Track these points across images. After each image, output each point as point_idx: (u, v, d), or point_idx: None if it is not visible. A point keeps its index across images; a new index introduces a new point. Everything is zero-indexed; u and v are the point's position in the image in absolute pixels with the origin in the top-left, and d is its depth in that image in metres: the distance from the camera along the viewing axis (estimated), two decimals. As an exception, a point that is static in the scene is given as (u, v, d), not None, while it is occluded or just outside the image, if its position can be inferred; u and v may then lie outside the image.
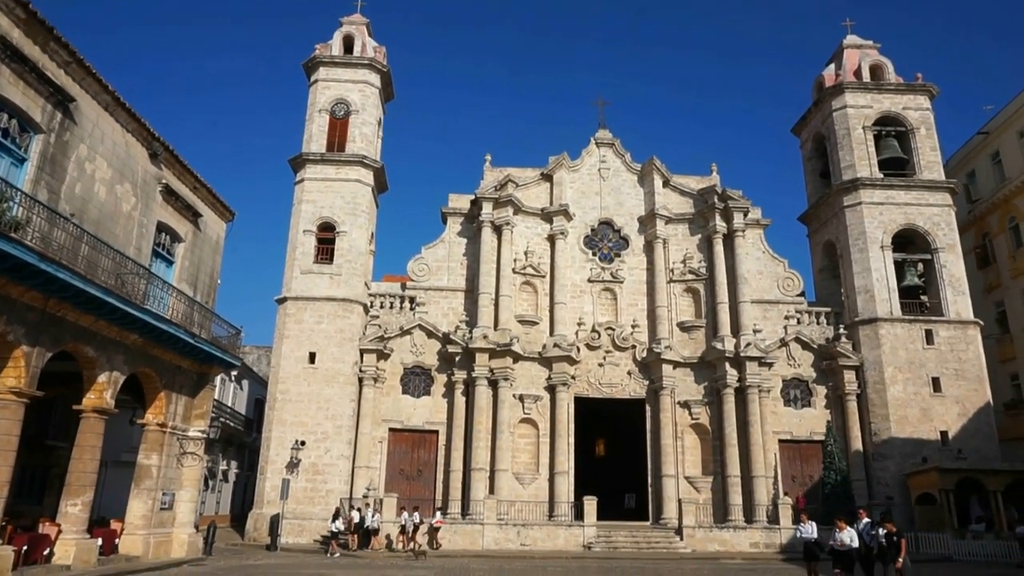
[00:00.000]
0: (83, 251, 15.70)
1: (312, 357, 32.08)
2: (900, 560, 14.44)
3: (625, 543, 28.75)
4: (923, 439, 31.65)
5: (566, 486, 31.94)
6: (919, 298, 35.04)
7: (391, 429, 32.97)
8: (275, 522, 28.01)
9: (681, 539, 28.67)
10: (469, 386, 32.91)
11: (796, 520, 29.78)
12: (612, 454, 45.32)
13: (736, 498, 31.38)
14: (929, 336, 33.29)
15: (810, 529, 16.13)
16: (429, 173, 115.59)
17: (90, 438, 17.80)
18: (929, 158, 36.37)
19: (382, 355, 33.13)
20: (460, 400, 32.92)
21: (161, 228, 20.83)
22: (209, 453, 36.00)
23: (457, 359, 33.12)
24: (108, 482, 25.23)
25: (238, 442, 42.02)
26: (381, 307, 34.65)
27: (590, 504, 29.02)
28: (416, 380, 33.83)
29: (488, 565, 22.49)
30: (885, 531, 14.96)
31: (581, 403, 34.15)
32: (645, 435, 33.76)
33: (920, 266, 35.32)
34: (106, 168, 17.85)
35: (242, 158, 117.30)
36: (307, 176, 34.52)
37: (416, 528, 26.89)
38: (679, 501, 30.43)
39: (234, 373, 41.12)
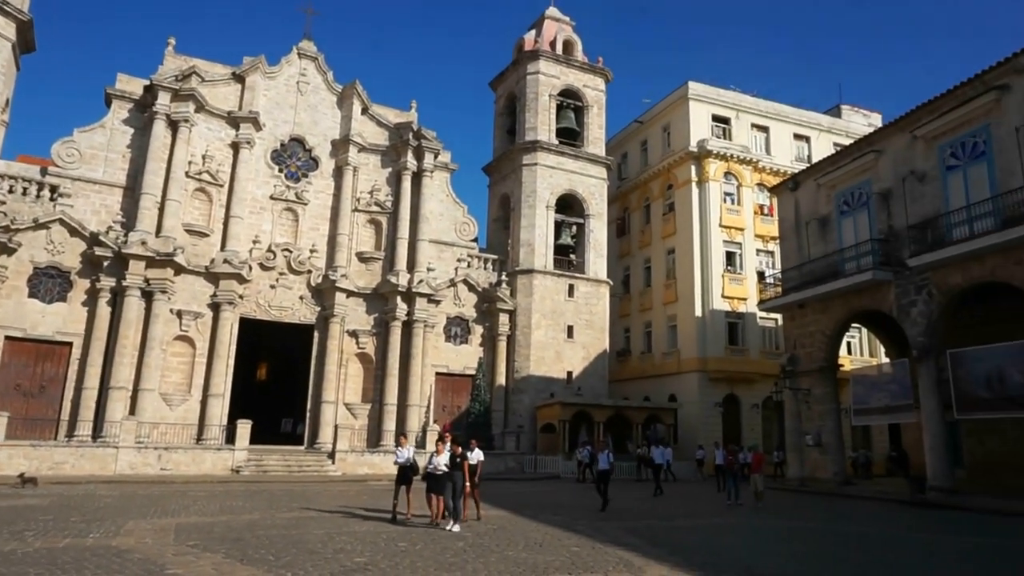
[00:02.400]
0: None
1: (-101, 241, 25.56)
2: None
3: (277, 467, 28.66)
4: (554, 378, 36.79)
5: (220, 409, 30.56)
6: (568, 256, 40.15)
7: (8, 337, 27.96)
8: None
9: (333, 463, 29.49)
10: (118, 295, 29.34)
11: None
12: (276, 379, 44.54)
13: (390, 424, 33.19)
14: (571, 290, 38.48)
15: (407, 452, 15.70)
16: (95, 45, 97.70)
17: None
18: (596, 135, 41.41)
19: (5, 249, 27.68)
20: (104, 310, 29.20)
21: None
22: None
23: (106, 264, 29.21)
24: None
25: None
26: (11, 192, 28.81)
27: (243, 428, 28.22)
28: (50, 283, 29.04)
29: (119, 491, 20.68)
30: (451, 454, 14.61)
31: (247, 324, 32.74)
32: (310, 361, 33.71)
33: (574, 228, 40.36)
34: None
35: None
36: (-90, 9, 26.83)
37: None
38: (335, 427, 31.18)
39: None
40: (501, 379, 36.56)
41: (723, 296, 38.49)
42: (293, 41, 36.52)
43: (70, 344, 28.90)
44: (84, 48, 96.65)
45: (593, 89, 41.86)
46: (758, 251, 40.35)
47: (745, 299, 38.65)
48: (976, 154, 22.02)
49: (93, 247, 29.08)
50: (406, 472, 15.47)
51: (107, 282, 29.19)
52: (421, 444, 32.07)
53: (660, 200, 42.85)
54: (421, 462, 15.91)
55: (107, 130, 31.15)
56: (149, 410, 28.90)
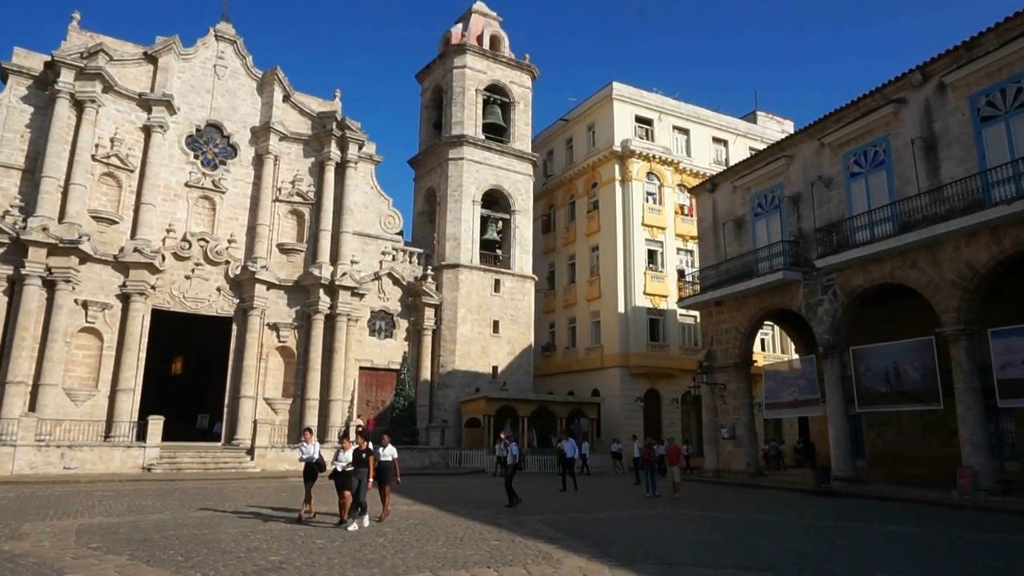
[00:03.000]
0: None
1: None
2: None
3: (191, 464, 27.65)
4: (479, 372, 36.86)
5: (130, 405, 29.24)
6: (495, 251, 40.26)
7: None
8: None
9: (252, 459, 28.69)
10: (15, 284, 27.65)
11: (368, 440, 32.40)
12: (192, 373, 42.92)
13: (313, 419, 32.51)
14: (497, 285, 38.62)
15: (312, 449, 15.13)
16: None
17: None
18: (522, 131, 41.65)
19: None
20: (1, 300, 27.43)
21: None
22: None
23: (2, 251, 27.45)
24: None
25: None
26: None
27: (155, 424, 27.10)
28: (-63, 270, 27.09)
29: (16, 492, 19.50)
30: (356, 448, 14.13)
31: (160, 316, 31.44)
32: (228, 355, 32.64)
33: (500, 224, 40.50)
34: None
35: None
36: None
37: None
38: (255, 422, 30.32)
39: None
40: (426, 374, 36.37)
41: (645, 293, 39.42)
42: (211, 23, 35.20)
43: (-39, 336, 27.02)
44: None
45: (519, 86, 42.06)
46: (678, 250, 41.50)
47: (666, 296, 39.71)
48: (877, 162, 23.30)
49: (-12, 233, 27.23)
50: (312, 469, 14.98)
51: (3, 270, 27.49)
52: (348, 439, 31.60)
53: (585, 198, 43.49)
54: (328, 458, 15.50)
55: (3, 107, 29.24)
56: (51, 406, 27.36)
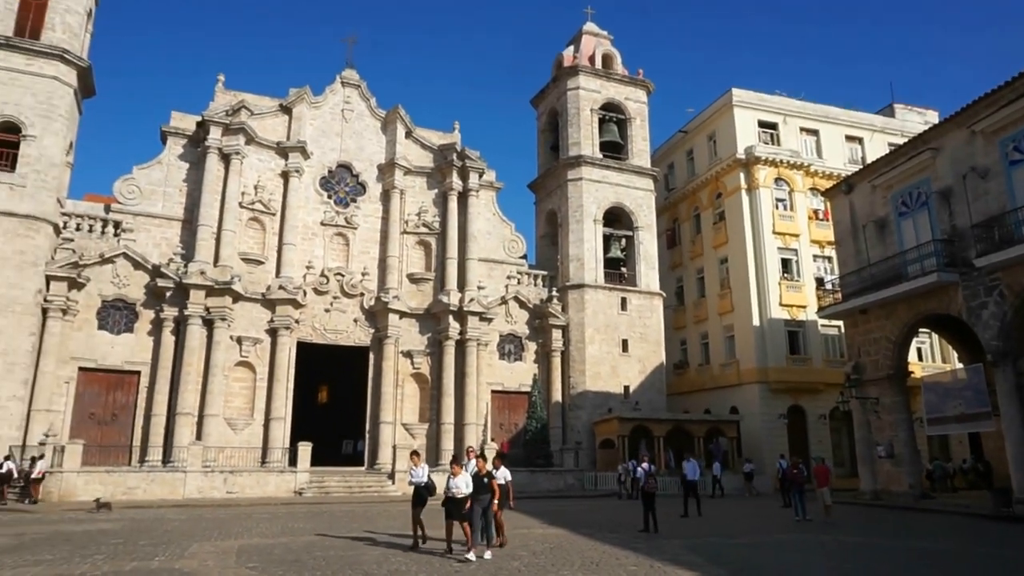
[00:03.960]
0: None
1: (-21, 281, 26.95)
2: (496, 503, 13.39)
3: (338, 488, 29.02)
4: (610, 392, 36.34)
5: (282, 432, 31.19)
6: (619, 269, 39.76)
7: (82, 368, 29.18)
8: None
9: (393, 483, 29.69)
10: (180, 324, 30.35)
11: (503, 463, 32.66)
12: (334, 401, 45.15)
13: (448, 443, 33.24)
14: (624, 303, 38.06)
15: (420, 473, 14.27)
16: (150, 86, 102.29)
17: None
18: (640, 146, 41.10)
19: (75, 284, 29.03)
20: (169, 339, 30.22)
21: None
22: None
23: (168, 295, 30.27)
24: None
25: None
26: (78, 229, 30.25)
27: (304, 450, 28.73)
28: (117, 315, 30.24)
29: (187, 514, 21.23)
30: (476, 469, 13.31)
31: (304, 348, 33.38)
32: (367, 383, 34.12)
33: (623, 241, 40.00)
34: None
35: None
36: (-15, 62, 28.47)
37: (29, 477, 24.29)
38: (394, 447, 31.40)
39: None
40: (557, 395, 36.31)
41: (781, 304, 37.49)
42: (336, 70, 37.45)
43: (138, 373, 29.97)
44: (140, 89, 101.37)
45: (635, 101, 41.62)
46: (815, 257, 39.23)
47: (804, 307, 37.55)
48: (1043, 145, 20.95)
49: (156, 279, 30.17)
50: (420, 493, 14.07)
51: (170, 312, 30.22)
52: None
53: (710, 209, 42.16)
54: (439, 482, 14.48)
55: (164, 166, 32.41)
56: (215, 435, 29.66)
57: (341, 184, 36.05)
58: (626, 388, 36.79)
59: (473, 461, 13.97)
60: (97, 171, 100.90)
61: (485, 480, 13.10)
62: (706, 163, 42.88)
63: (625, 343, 37.48)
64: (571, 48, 42.67)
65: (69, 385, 28.77)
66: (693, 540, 15.31)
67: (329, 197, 35.51)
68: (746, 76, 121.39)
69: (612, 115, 41.08)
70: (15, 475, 24.70)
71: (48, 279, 28.22)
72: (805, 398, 36.71)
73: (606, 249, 38.97)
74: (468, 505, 12.77)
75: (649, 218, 40.16)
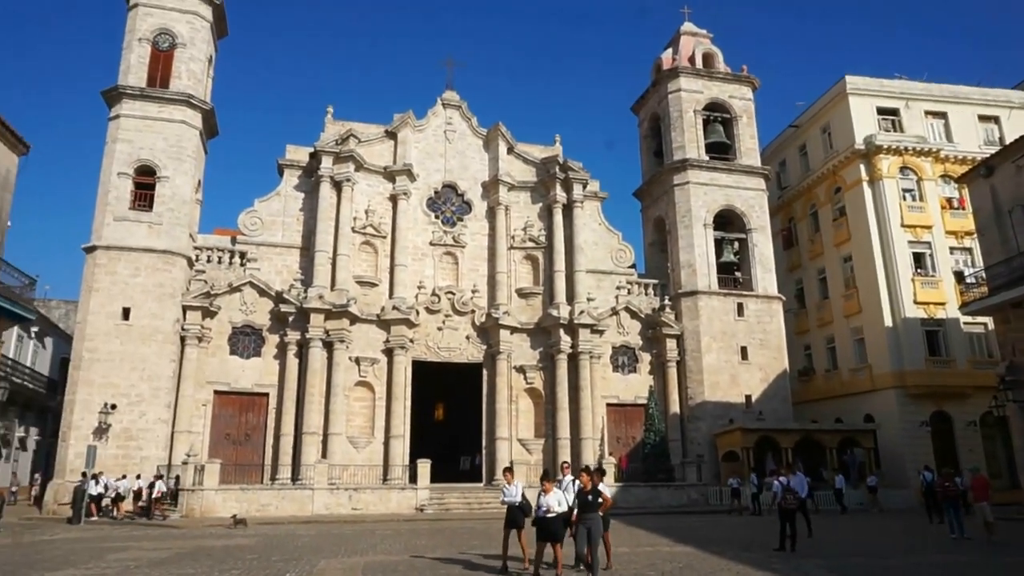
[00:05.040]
0: None
1: (126, 313, 29.21)
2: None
3: (457, 504, 29.19)
4: (731, 402, 34.75)
5: (401, 449, 31.81)
6: (734, 273, 38.16)
7: (217, 392, 31.00)
8: (80, 493, 25.40)
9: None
10: (303, 347, 31.65)
11: (623, 477, 31.92)
12: (450, 418, 45.73)
13: (565, 458, 32.69)
14: (740, 309, 36.42)
15: (513, 491, 13.10)
16: (266, 122, 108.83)
17: None
18: (748, 145, 39.43)
19: (208, 313, 30.95)
20: (293, 362, 31.60)
21: (-66, 158, 17.83)
22: (3, 418, 32.25)
23: (291, 319, 31.69)
24: None
25: (39, 406, 37.77)
26: (208, 261, 32.29)
27: (423, 467, 29.12)
28: (246, 340, 31.98)
29: (316, 530, 21.89)
30: (580, 486, 11.96)
31: (419, 366, 33.99)
32: (481, 399, 34.30)
33: (736, 244, 38.39)
34: None
35: (46, 89, 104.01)
36: (124, 112, 31.05)
37: (150, 495, 26.48)
38: (511, 463, 31.25)
39: (35, 329, 36.74)
40: (675, 407, 35.14)
41: (916, 302, 34.71)
42: (437, 93, 38.23)
43: (267, 395, 31.50)
44: (257, 125, 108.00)
45: (740, 99, 40.03)
46: (952, 249, 36.15)
47: (943, 304, 34.62)
48: None
49: (279, 304, 31.69)
50: (515, 513, 13.02)
51: (293, 335, 31.60)
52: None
53: (828, 206, 39.80)
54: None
55: (282, 197, 34.11)
56: (338, 453, 30.64)
57: (447, 204, 36.68)
58: (748, 397, 35.09)
59: (568, 477, 13.19)
60: (224, 205, 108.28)
61: (590, 498, 11.57)
62: (821, 157, 40.59)
63: (744, 350, 35.81)
64: (669, 50, 41.71)
65: (206, 408, 30.61)
66: (836, 561, 14.15)
67: (436, 217, 36.19)
68: (858, 63, 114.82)
69: (717, 115, 39.69)
70: (166, 492, 26.74)
71: (184, 309, 30.24)
72: (950, 403, 33.71)
73: (718, 254, 37.52)
74: (574, 524, 11.70)
75: (762, 219, 38.37)
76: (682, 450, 34.29)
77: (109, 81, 31.58)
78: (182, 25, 32.77)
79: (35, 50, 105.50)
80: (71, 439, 27.75)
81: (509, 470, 14.30)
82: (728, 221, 38.47)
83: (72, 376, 28.65)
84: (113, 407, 28.06)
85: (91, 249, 29.61)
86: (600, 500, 11.64)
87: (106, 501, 26.73)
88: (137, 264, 29.72)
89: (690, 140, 38.46)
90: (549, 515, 11.76)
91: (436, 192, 36.57)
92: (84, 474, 25.96)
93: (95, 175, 30.92)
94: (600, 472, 13.10)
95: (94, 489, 25.73)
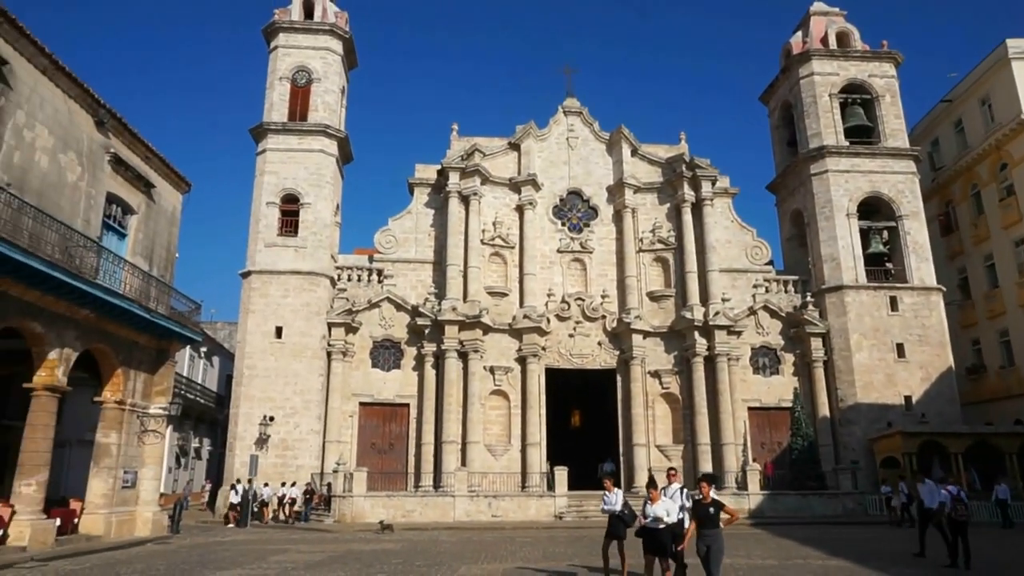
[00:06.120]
0: (26, 223, 15.05)
1: (279, 331, 31.53)
2: (683, 544, 10.89)
3: (596, 512, 28.71)
4: (888, 404, 32.16)
5: (538, 457, 31.99)
6: (884, 265, 35.39)
7: (361, 403, 32.67)
8: (245, 498, 27.64)
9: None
10: (439, 359, 32.67)
11: (768, 485, 30.42)
12: (587, 424, 45.57)
13: (706, 465, 31.68)
14: (894, 303, 33.69)
15: (614, 499, 12.30)
16: (396, 143, 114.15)
17: (42, 417, 17.22)
18: (894, 126, 36.53)
19: (350, 329, 32.71)
20: (430, 373, 32.68)
21: (111, 199, 20.04)
22: (180, 431, 35.56)
23: (426, 332, 32.82)
24: (72, 462, 24.71)
25: (210, 419, 41.48)
26: (349, 280, 34.18)
27: (561, 474, 29.11)
28: (386, 353, 33.48)
29: (457, 536, 22.43)
30: (699, 496, 10.31)
31: (552, 374, 34.10)
32: (616, 405, 33.87)
33: (885, 233, 35.63)
34: (47, 136, 17.04)
35: (202, 129, 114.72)
36: (269, 146, 33.64)
37: (293, 501, 28.57)
38: (649, 470, 30.62)
39: (203, 349, 40.46)
40: (824, 410, 33.01)
41: (1107, 286, 30.62)
42: (557, 101, 38.38)
43: (408, 405, 32.81)
44: (387, 147, 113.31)
45: (881, 77, 37.18)
46: None
47: None
48: None
49: (415, 318, 32.95)
50: (615, 523, 12.21)
51: (429, 347, 32.70)
52: (743, 485, 30.12)
53: (993, 185, 36.02)
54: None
55: (413, 215, 35.52)
56: (477, 461, 31.30)
57: (573, 210, 36.66)
58: (907, 399, 32.33)
59: (674, 485, 12.18)
60: (358, 227, 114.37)
61: (711, 511, 9.98)
62: (981, 132, 36.86)
63: (900, 347, 33.05)
64: (799, 33, 39.49)
65: (352, 419, 32.32)
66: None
67: (563, 224, 36.26)
68: (1018, 26, 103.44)
69: (855, 97, 37.10)
70: (315, 497, 28.61)
71: (329, 326, 32.16)
72: None
73: (865, 245, 34.95)
74: (686, 538, 10.54)
75: (914, 204, 35.35)
76: (834, 456, 32.11)
77: (255, 120, 34.29)
78: (316, 61, 35.04)
79: (189, 94, 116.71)
80: (236, 449, 30.22)
81: (609, 477, 13.26)
82: (875, 209, 35.78)
83: (235, 391, 31.25)
84: (271, 419, 30.28)
85: (246, 274, 32.23)
86: (722, 513, 10.02)
87: (272, 506, 29.04)
88: (286, 286, 31.98)
89: (827, 126, 36.19)
90: (657, 526, 10.76)
91: (561, 199, 36.66)
92: (237, 481, 28.29)
93: (245, 205, 33.70)
94: (712, 479, 11.23)
95: (234, 497, 27.82)
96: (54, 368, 17.22)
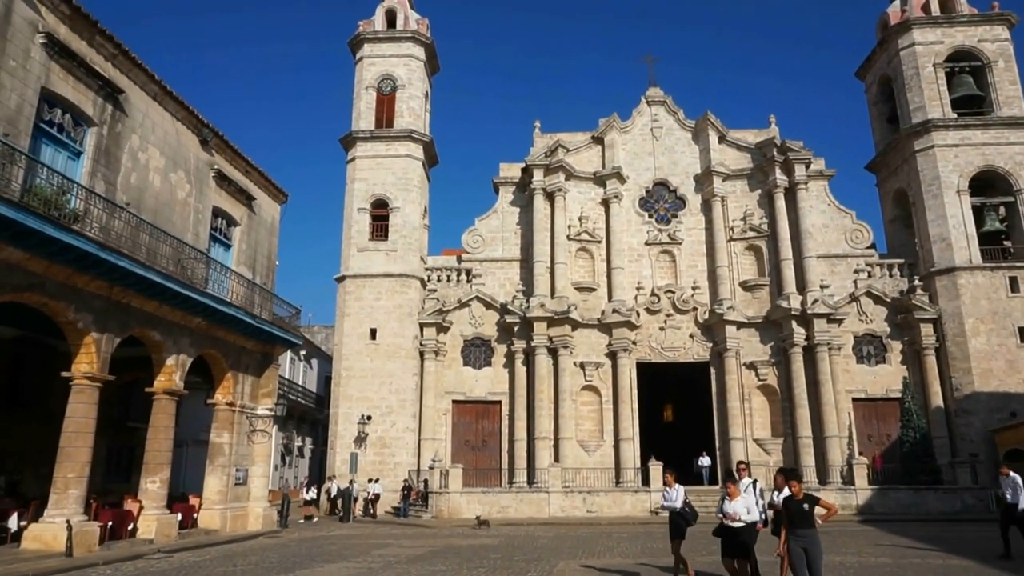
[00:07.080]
0: (143, 239, 16.19)
1: (373, 333, 32.56)
2: (778, 548, 9.51)
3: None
4: (1010, 392, 29.99)
5: (631, 452, 31.69)
6: (1002, 244, 32.99)
7: (454, 401, 33.29)
8: (347, 494, 28.77)
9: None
10: (529, 355, 32.86)
11: (877, 479, 29.02)
12: (681, 418, 44.79)
13: (809, 459, 30.51)
14: (1014, 283, 31.36)
15: (674, 495, 11.55)
16: (480, 144, 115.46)
17: (163, 418, 18.50)
18: (1008, 93, 33.94)
19: (441, 328, 33.38)
20: (521, 370, 32.91)
21: (217, 213, 21.28)
22: (284, 430, 37.28)
23: (516, 329, 33.07)
24: (189, 460, 26.48)
25: (311, 419, 43.32)
26: (438, 281, 34.89)
27: (655, 469, 28.70)
28: (476, 351, 33.98)
29: (553, 532, 22.53)
30: (788, 493, 9.27)
31: (644, 368, 33.68)
32: (711, 398, 33.10)
33: (1002, 210, 33.21)
34: (159, 157, 18.28)
35: (295, 141, 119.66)
36: (358, 154, 34.76)
37: (377, 498, 29.48)
38: (748, 464, 29.69)
39: (303, 352, 42.29)
40: (937, 400, 31.12)
41: None
42: (640, 92, 37.77)
43: (499, 402, 33.17)
44: (472, 148, 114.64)
45: (992, 41, 34.59)
46: None
47: None
48: None
49: (504, 316, 33.27)
50: (677, 521, 11.51)
51: (519, 345, 32.93)
52: (848, 480, 28.86)
53: None
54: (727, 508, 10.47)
55: (499, 214, 35.85)
56: (570, 457, 31.30)
57: (660, 202, 36.04)
58: (1033, 386, 30.02)
59: (746, 480, 11.05)
60: (446, 228, 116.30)
61: (805, 507, 8.93)
62: (1111, 93, 33.69)
63: (1023, 332, 30.74)
64: (897, 2, 37.28)
65: (446, 416, 32.98)
66: None
67: (650, 216, 35.71)
68: None
69: (963, 65, 34.68)
70: (412, 493, 29.47)
71: (421, 326, 32.94)
72: None
73: (979, 223, 32.66)
74: (781, 544, 9.20)
75: (1034, 176, 32.74)
76: (950, 448, 30.24)
77: (344, 129, 35.50)
78: (400, 69, 35.90)
79: (284, 106, 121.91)
80: (337, 447, 31.45)
81: (670, 472, 12.36)
82: (988, 184, 33.38)
83: (334, 392, 32.51)
84: (368, 418, 31.33)
85: (341, 279, 33.44)
86: (817, 508, 8.97)
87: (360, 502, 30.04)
88: (379, 289, 32.97)
89: (931, 98, 34.04)
90: (736, 524, 9.82)
91: (647, 191, 36.11)
92: (330, 478, 29.48)
93: (337, 211, 34.95)
94: (793, 474, 9.78)
95: (312, 492, 29.22)
96: (172, 373, 18.45)
